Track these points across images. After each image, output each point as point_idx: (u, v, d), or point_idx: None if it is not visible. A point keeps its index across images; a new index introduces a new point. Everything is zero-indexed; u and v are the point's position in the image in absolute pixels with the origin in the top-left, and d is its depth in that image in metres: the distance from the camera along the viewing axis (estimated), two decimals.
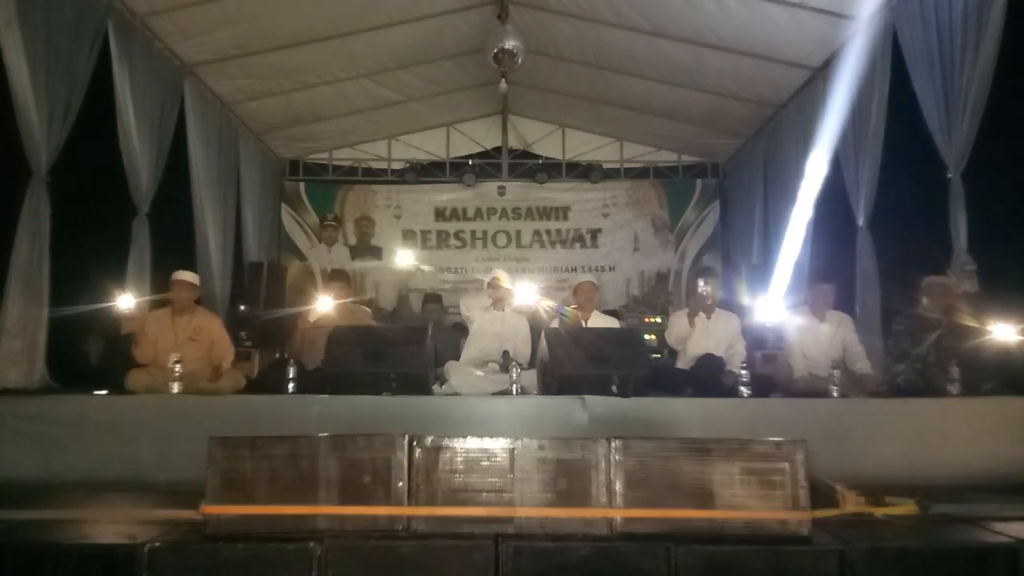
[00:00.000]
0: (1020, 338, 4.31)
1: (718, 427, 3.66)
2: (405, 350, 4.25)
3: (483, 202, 9.50)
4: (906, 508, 2.80)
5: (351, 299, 5.88)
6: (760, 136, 8.16)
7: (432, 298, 6.77)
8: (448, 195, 9.50)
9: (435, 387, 4.49)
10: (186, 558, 2.38)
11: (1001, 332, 4.37)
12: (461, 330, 5.79)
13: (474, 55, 7.37)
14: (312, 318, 5.43)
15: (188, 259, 6.54)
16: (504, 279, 5.26)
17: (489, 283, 5.30)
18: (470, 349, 5.10)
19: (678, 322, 5.19)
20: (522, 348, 5.09)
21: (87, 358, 5.55)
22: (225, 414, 3.86)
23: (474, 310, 5.24)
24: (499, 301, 5.21)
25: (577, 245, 9.45)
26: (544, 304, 5.28)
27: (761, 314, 6.00)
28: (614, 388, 3.94)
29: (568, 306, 5.37)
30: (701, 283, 5.26)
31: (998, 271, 5.00)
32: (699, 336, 5.07)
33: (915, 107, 5.15)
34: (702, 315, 5.08)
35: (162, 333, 4.76)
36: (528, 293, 5.33)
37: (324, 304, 5.47)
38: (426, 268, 9.31)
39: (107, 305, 5.61)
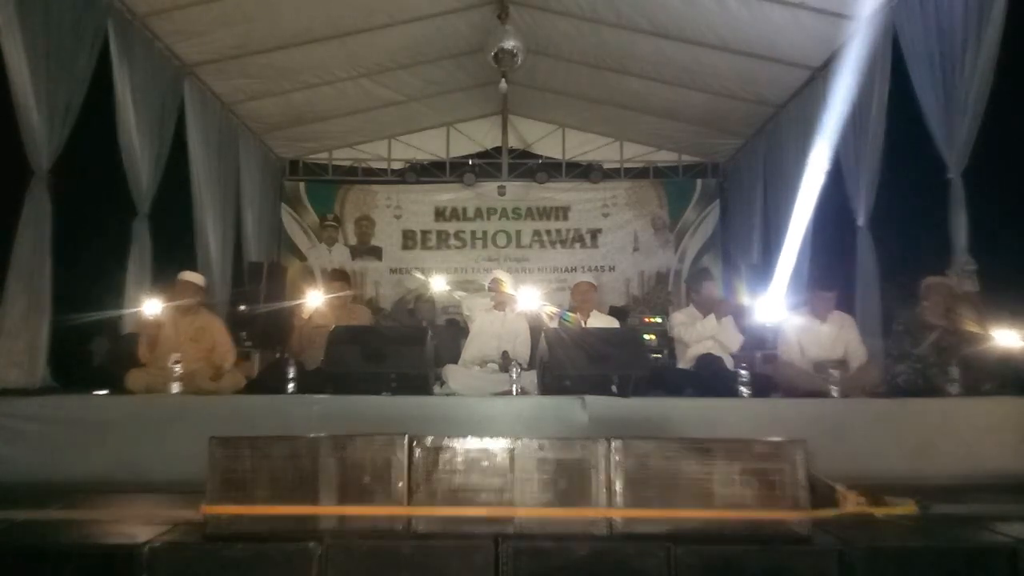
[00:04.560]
0: (1020, 338, 4.31)
1: (718, 427, 3.66)
2: (405, 350, 4.24)
3: (483, 202, 9.50)
4: (906, 508, 2.80)
5: (351, 298, 5.88)
6: (760, 136, 8.16)
7: (423, 297, 6.78)
8: (448, 195, 9.50)
9: (435, 387, 4.49)
10: (186, 558, 2.38)
11: (1001, 332, 4.37)
12: (456, 328, 5.79)
13: (474, 55, 7.38)
14: (306, 315, 5.42)
15: (188, 259, 6.55)
16: (506, 283, 5.25)
17: (490, 285, 5.29)
18: (469, 349, 5.11)
19: (700, 319, 5.11)
20: (521, 349, 5.08)
21: (90, 358, 5.55)
22: (225, 414, 3.86)
23: (476, 310, 5.23)
24: (500, 304, 5.21)
25: (577, 245, 9.46)
26: (547, 310, 5.26)
27: (761, 314, 6.00)
28: (614, 388, 3.94)
29: (570, 311, 5.37)
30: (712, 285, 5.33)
31: (998, 271, 5.00)
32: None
33: (915, 107, 5.15)
34: (711, 316, 5.09)
35: (164, 332, 4.76)
36: (531, 299, 5.30)
37: (316, 299, 5.39)
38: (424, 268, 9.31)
39: (110, 306, 5.62)
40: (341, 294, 5.55)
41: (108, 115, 5.59)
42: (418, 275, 9.02)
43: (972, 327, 4.50)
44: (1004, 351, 4.38)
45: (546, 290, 9.05)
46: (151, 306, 4.65)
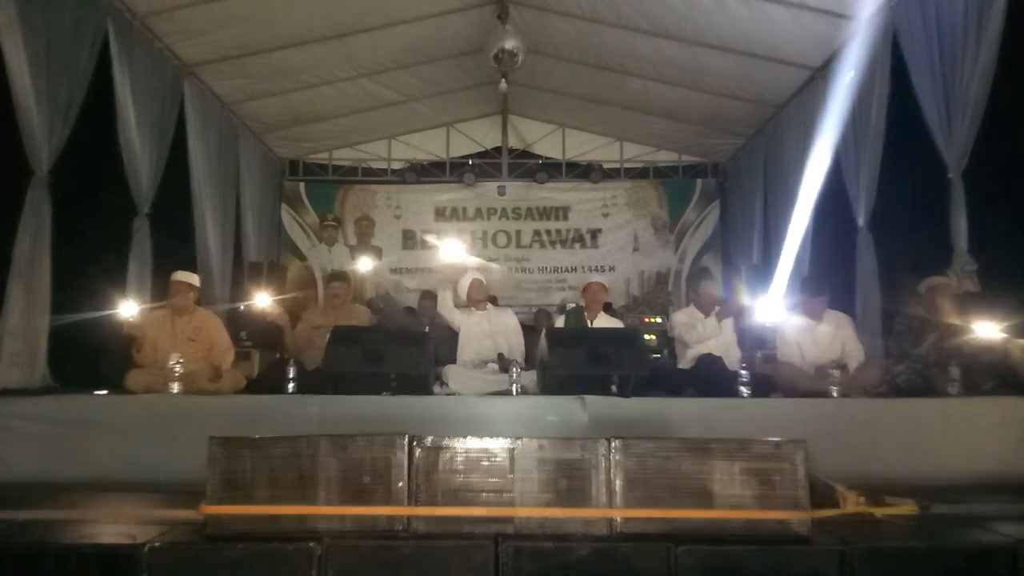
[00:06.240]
0: (1020, 338, 4.31)
1: (718, 427, 3.65)
2: (405, 350, 4.25)
3: (483, 202, 9.50)
4: (906, 508, 2.80)
5: (350, 298, 5.88)
6: (760, 136, 8.16)
7: (427, 295, 6.78)
8: (448, 195, 9.50)
9: (435, 387, 4.49)
10: (186, 558, 2.38)
11: (1001, 332, 4.36)
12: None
13: (474, 55, 7.37)
14: (273, 310, 5.42)
15: (188, 259, 6.54)
16: (482, 283, 5.27)
17: (471, 285, 5.26)
18: (465, 352, 5.11)
19: (702, 321, 5.09)
20: (515, 343, 5.11)
21: (96, 358, 5.54)
22: (225, 414, 3.86)
23: (454, 312, 5.22)
24: (479, 303, 5.22)
25: (577, 245, 9.46)
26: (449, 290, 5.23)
27: (761, 314, 6.00)
28: (614, 388, 3.94)
29: (569, 305, 5.39)
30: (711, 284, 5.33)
31: (998, 271, 5.00)
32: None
33: (915, 107, 5.15)
34: (713, 316, 5.08)
35: (161, 334, 4.75)
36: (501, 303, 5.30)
37: (263, 300, 5.52)
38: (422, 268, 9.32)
39: (110, 306, 5.61)
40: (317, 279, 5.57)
41: (108, 115, 5.57)
42: (394, 277, 9.08)
43: (972, 327, 4.49)
44: (1003, 351, 4.37)
45: (546, 290, 9.09)
46: (128, 307, 4.63)
